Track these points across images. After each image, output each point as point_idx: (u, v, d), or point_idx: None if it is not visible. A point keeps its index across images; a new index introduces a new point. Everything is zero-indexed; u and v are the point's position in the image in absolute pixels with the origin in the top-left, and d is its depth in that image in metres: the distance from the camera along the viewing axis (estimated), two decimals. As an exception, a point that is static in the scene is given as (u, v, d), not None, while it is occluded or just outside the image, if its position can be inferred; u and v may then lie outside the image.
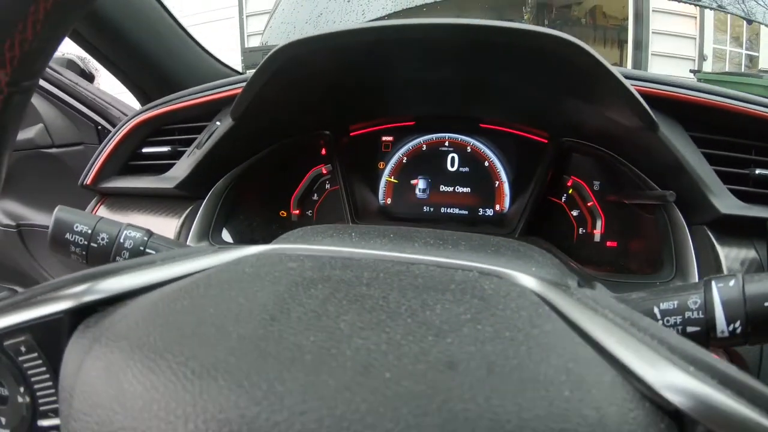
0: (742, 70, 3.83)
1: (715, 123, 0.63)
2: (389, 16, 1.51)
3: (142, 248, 0.46)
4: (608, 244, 0.77)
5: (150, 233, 0.47)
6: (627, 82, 0.55)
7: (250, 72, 0.61)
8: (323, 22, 1.54)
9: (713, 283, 0.36)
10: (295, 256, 0.31)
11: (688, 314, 0.35)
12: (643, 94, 0.59)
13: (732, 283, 0.35)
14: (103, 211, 0.84)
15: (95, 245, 0.46)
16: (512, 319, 0.23)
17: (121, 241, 0.46)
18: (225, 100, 0.73)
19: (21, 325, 0.27)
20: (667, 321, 0.36)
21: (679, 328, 0.35)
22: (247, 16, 4.48)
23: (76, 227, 0.46)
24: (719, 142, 0.63)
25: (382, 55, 0.61)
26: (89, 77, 1.39)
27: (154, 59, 0.93)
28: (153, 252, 0.46)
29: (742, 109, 0.62)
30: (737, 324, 0.34)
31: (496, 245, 0.38)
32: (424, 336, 0.21)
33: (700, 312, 0.35)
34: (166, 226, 0.75)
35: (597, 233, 0.78)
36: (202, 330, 0.23)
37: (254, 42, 4.30)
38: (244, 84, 0.66)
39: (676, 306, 0.36)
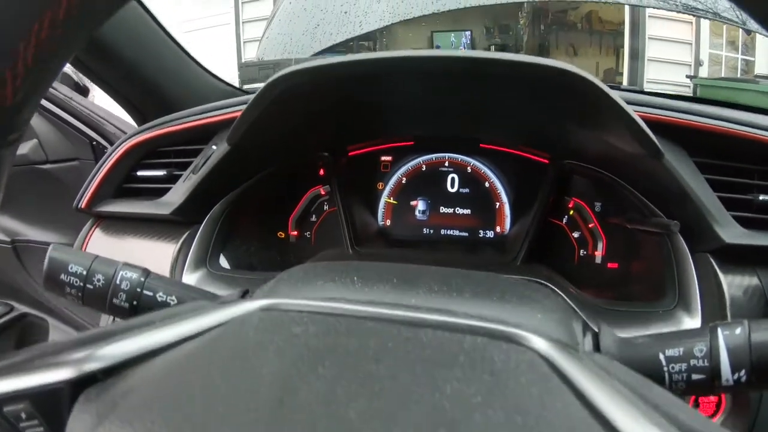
0: (739, 75, 3.85)
1: (719, 148, 0.63)
2: (386, 28, 1.51)
3: (138, 289, 0.45)
4: (609, 265, 0.77)
5: (147, 273, 0.46)
6: (630, 110, 0.54)
7: (248, 86, 0.60)
8: (320, 34, 1.52)
9: (719, 330, 0.35)
10: (298, 317, 0.30)
11: (693, 362, 0.35)
12: (647, 120, 0.58)
13: (738, 330, 0.35)
14: (98, 235, 0.83)
15: (91, 287, 0.45)
16: (523, 399, 0.22)
17: (117, 282, 0.45)
18: (220, 123, 0.72)
19: (20, 392, 0.26)
20: (672, 368, 0.36)
21: (684, 375, 0.35)
22: (243, 23, 4.47)
23: (71, 268, 0.45)
24: (723, 168, 0.63)
25: (383, 81, 0.60)
26: (83, 91, 1.38)
27: (149, 78, 0.92)
28: (150, 293, 0.45)
29: (746, 134, 0.61)
30: (742, 373, 0.34)
31: (501, 291, 0.38)
32: (435, 428, 0.20)
33: (706, 360, 0.35)
34: (162, 251, 0.74)
35: (598, 255, 0.77)
36: (209, 416, 0.22)
37: (251, 49, 4.29)
38: (239, 107, 0.65)
39: (681, 353, 0.36)
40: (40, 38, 0.23)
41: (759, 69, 3.72)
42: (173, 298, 0.46)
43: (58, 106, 1.23)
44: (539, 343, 0.28)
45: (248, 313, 0.31)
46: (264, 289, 0.42)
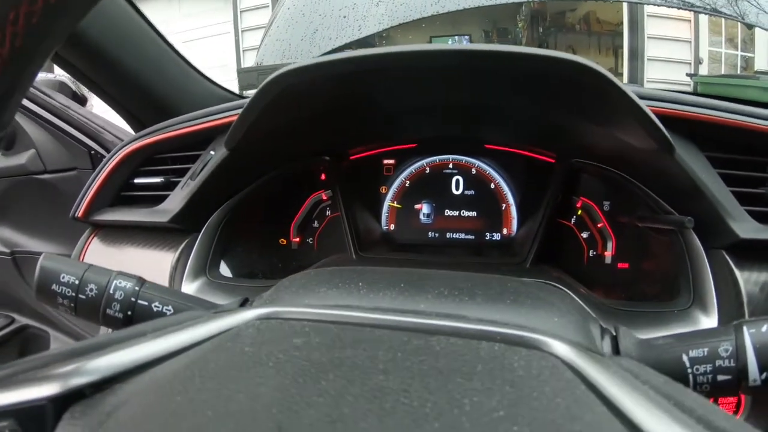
0: (739, 72, 3.83)
1: (730, 141, 0.61)
2: (385, 31, 1.49)
3: (133, 299, 0.43)
4: (620, 265, 0.75)
5: (142, 282, 0.44)
6: (643, 104, 0.52)
7: (248, 92, 0.58)
8: (319, 39, 1.51)
9: (745, 328, 0.34)
10: (299, 326, 0.28)
11: (718, 362, 0.34)
12: (657, 115, 0.56)
13: (765, 328, 0.33)
14: (95, 244, 0.82)
15: (83, 297, 0.43)
16: (550, 412, 0.20)
17: (111, 291, 0.43)
18: (218, 128, 0.71)
19: (3, 409, 0.24)
20: (697, 369, 0.34)
21: (710, 376, 0.34)
22: (243, 31, 4.47)
23: (63, 278, 0.43)
24: (735, 161, 0.61)
25: (382, 80, 0.58)
26: (81, 100, 1.36)
27: (147, 86, 0.91)
28: (145, 303, 0.43)
29: (757, 126, 0.59)
30: None
31: (514, 293, 0.36)
32: None
33: (732, 360, 0.33)
34: (161, 260, 0.72)
35: (608, 255, 0.75)
36: None
37: (251, 57, 4.29)
38: (236, 111, 0.63)
39: (706, 354, 0.34)
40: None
41: (759, 65, 3.71)
42: (169, 308, 0.44)
43: (55, 115, 1.21)
44: (560, 348, 0.26)
45: (245, 323, 0.29)
46: (264, 297, 0.40)
